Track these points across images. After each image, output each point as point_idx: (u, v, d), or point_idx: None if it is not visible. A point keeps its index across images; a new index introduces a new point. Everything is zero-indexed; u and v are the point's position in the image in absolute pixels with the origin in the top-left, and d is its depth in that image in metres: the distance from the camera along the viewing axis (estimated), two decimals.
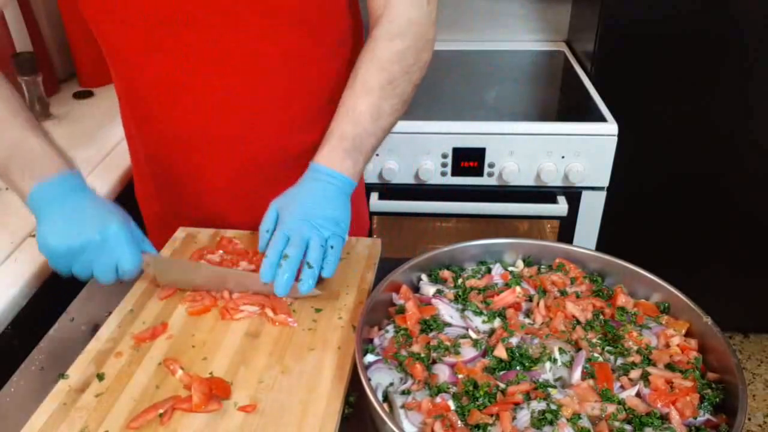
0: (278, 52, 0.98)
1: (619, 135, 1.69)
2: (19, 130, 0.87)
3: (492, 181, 1.77)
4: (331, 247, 0.89)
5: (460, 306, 0.88)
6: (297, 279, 0.87)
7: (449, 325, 0.84)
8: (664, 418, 0.72)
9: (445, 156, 1.74)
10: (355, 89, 0.96)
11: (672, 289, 0.86)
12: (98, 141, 1.51)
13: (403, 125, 1.71)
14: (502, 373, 0.77)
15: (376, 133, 0.97)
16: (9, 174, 0.86)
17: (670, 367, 0.78)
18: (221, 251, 1.03)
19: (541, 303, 0.87)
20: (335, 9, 1.01)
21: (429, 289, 0.90)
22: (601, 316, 0.86)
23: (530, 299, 0.89)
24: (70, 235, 0.83)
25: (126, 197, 1.36)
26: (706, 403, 0.73)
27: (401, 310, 0.86)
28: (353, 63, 1.01)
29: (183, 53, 0.96)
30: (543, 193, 1.78)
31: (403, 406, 0.73)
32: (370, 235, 1.45)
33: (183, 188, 1.13)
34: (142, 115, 1.09)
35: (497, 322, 0.85)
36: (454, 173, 1.76)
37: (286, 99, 1.03)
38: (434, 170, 1.75)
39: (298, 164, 1.03)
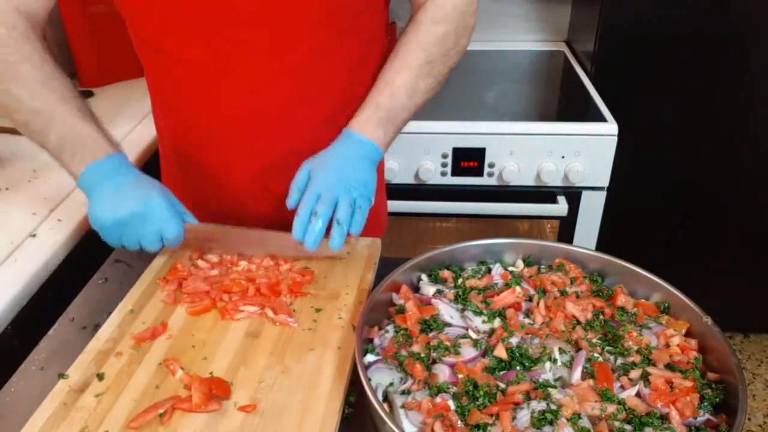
0: (306, 51, 0.99)
1: (619, 135, 1.69)
2: (70, 117, 0.94)
3: (492, 181, 1.77)
4: (359, 207, 0.94)
5: (460, 306, 0.88)
6: (327, 236, 0.92)
7: (449, 325, 0.84)
8: (664, 418, 0.72)
9: (445, 156, 1.74)
10: (395, 65, 1.02)
11: (672, 289, 0.86)
12: None
13: None
14: (502, 373, 0.77)
15: (409, 108, 1.03)
16: (61, 157, 0.95)
17: (670, 367, 0.78)
18: (219, 252, 1.03)
19: (541, 303, 0.87)
20: (365, 11, 1.03)
21: (429, 289, 0.90)
22: (601, 316, 0.86)
23: (530, 299, 0.89)
24: (117, 208, 0.92)
25: None
26: (706, 403, 0.73)
27: (401, 310, 0.86)
28: (381, 62, 1.05)
29: (212, 51, 0.98)
30: (543, 193, 1.77)
31: (403, 406, 0.73)
32: None
33: (206, 183, 1.14)
34: (171, 109, 1.11)
35: (497, 322, 0.85)
36: (454, 173, 1.76)
37: (312, 98, 1.05)
38: (434, 170, 1.75)
39: None
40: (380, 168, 1.29)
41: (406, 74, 1.01)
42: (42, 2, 1.00)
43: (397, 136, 1.05)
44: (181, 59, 1.00)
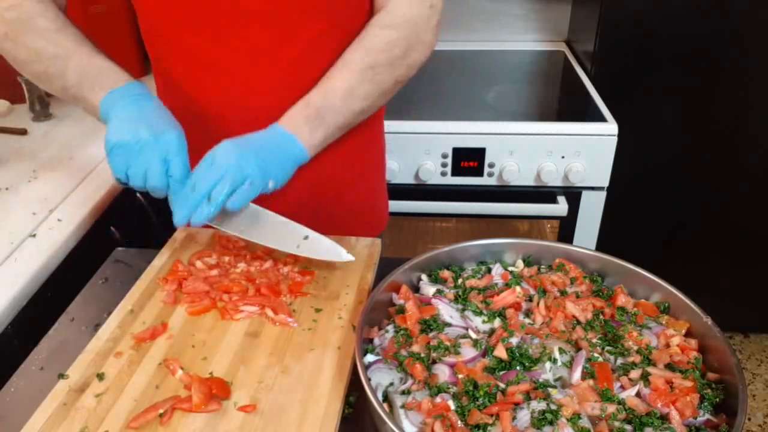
0: (303, 45, 1.00)
1: (619, 135, 1.69)
2: (86, 55, 0.97)
3: (492, 181, 1.77)
4: (246, 187, 0.90)
5: (460, 306, 0.88)
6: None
7: (449, 325, 0.84)
8: (664, 418, 0.72)
9: (445, 156, 1.74)
10: (336, 66, 1.01)
11: (672, 289, 0.86)
12: (99, 140, 1.51)
13: (403, 125, 1.72)
14: (502, 373, 0.77)
15: (344, 113, 1.00)
16: (82, 92, 0.96)
17: (670, 367, 0.78)
18: (215, 254, 1.03)
19: (541, 303, 0.87)
20: (362, 7, 1.04)
21: (429, 289, 0.90)
22: (601, 316, 0.86)
23: (530, 299, 0.89)
24: (126, 131, 0.91)
25: (129, 194, 1.37)
26: (706, 403, 0.73)
27: (401, 310, 0.86)
28: None
29: (212, 44, 1.00)
30: (543, 193, 1.78)
31: (403, 406, 0.73)
32: None
33: None
34: (173, 98, 1.12)
35: (497, 322, 0.85)
36: (454, 173, 1.76)
37: (309, 88, 1.05)
38: (434, 170, 1.75)
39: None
40: (381, 167, 1.29)
41: (344, 75, 1.00)
42: None
43: (332, 138, 1.02)
44: (181, 50, 1.02)
